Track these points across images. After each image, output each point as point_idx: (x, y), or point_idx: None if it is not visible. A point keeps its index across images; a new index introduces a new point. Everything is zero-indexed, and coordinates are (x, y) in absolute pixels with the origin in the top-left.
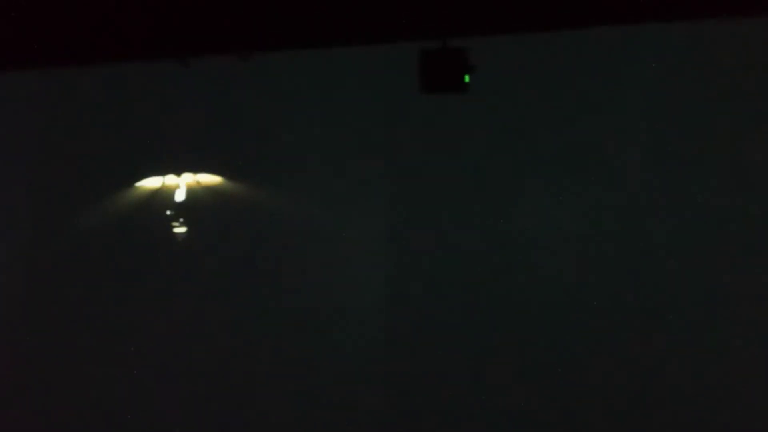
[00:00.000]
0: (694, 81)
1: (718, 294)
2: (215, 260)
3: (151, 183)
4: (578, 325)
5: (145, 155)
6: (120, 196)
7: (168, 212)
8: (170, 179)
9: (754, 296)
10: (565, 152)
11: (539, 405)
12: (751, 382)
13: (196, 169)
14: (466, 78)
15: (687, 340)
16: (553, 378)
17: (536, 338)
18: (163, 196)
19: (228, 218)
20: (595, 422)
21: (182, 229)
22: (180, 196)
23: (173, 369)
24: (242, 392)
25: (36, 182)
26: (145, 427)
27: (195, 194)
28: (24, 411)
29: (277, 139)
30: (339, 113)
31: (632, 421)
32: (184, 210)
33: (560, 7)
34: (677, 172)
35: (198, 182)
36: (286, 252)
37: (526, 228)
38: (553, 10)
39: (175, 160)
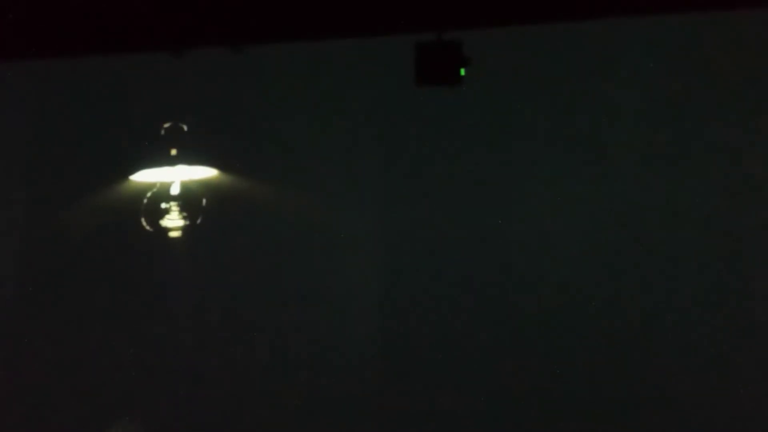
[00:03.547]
0: (695, 76)
1: (718, 294)
2: (210, 256)
3: (143, 176)
4: (577, 326)
5: (136, 148)
6: (111, 191)
7: (162, 205)
8: (163, 172)
9: (754, 297)
10: (562, 148)
11: (537, 408)
12: (751, 384)
13: (189, 162)
14: (462, 71)
15: (686, 341)
16: (551, 379)
17: (534, 339)
18: (156, 189)
19: (222, 212)
20: (593, 423)
21: (176, 223)
22: (174, 190)
23: (167, 368)
24: (237, 392)
25: (23, 177)
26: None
27: (188, 188)
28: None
29: (270, 132)
30: (333, 106)
31: (631, 421)
32: (178, 203)
33: None
34: (677, 170)
35: (191, 175)
36: (280, 249)
37: (524, 226)
38: (551, 2)
39: (167, 152)
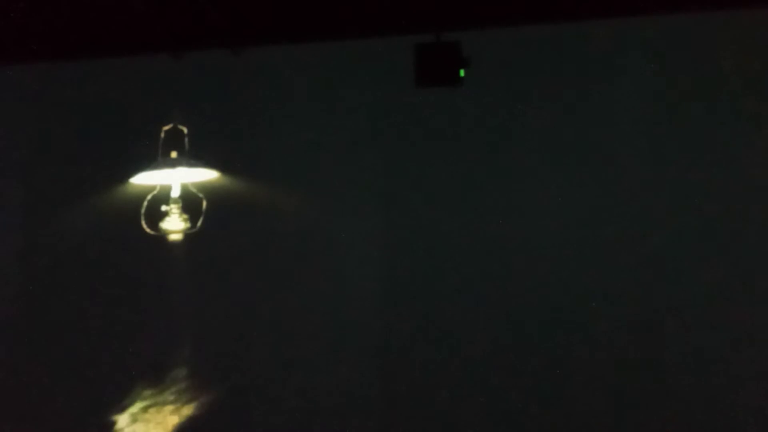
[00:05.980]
0: (695, 76)
1: (718, 295)
2: (211, 258)
3: (143, 179)
4: (577, 326)
5: (137, 150)
6: (111, 193)
7: (163, 208)
8: (164, 175)
9: (754, 297)
10: (562, 149)
11: (537, 407)
12: (751, 384)
13: (189, 164)
14: (462, 72)
15: (686, 342)
16: (551, 379)
17: (534, 339)
18: (157, 192)
19: (222, 214)
20: (593, 424)
21: (177, 226)
22: (175, 192)
23: (168, 368)
24: (237, 391)
25: (24, 179)
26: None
27: (188, 190)
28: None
29: (270, 134)
30: (332, 108)
31: (631, 422)
32: (178, 206)
33: None
34: (676, 170)
35: (191, 178)
36: (281, 250)
37: (524, 227)
38: (550, 2)
39: (167, 155)
